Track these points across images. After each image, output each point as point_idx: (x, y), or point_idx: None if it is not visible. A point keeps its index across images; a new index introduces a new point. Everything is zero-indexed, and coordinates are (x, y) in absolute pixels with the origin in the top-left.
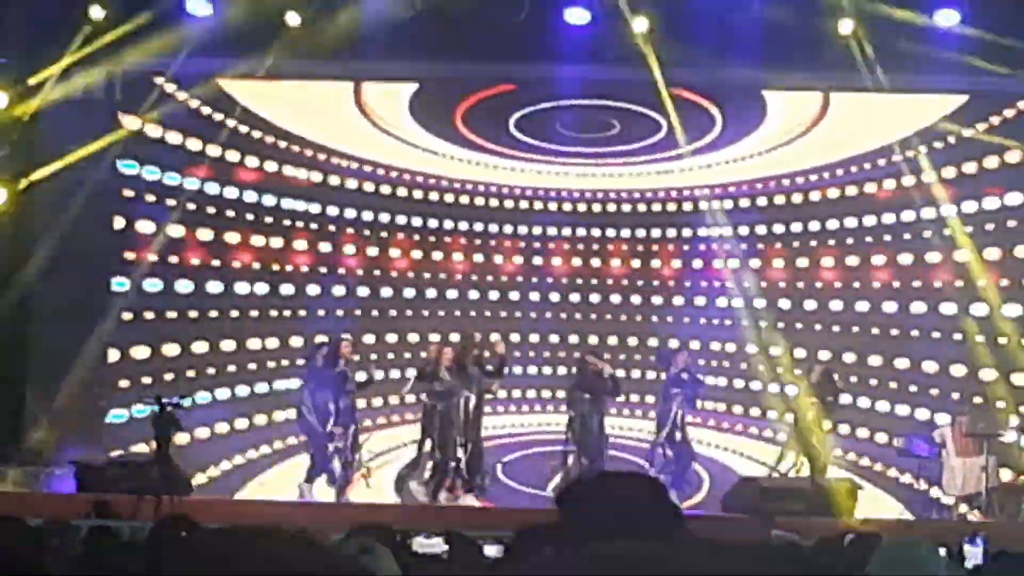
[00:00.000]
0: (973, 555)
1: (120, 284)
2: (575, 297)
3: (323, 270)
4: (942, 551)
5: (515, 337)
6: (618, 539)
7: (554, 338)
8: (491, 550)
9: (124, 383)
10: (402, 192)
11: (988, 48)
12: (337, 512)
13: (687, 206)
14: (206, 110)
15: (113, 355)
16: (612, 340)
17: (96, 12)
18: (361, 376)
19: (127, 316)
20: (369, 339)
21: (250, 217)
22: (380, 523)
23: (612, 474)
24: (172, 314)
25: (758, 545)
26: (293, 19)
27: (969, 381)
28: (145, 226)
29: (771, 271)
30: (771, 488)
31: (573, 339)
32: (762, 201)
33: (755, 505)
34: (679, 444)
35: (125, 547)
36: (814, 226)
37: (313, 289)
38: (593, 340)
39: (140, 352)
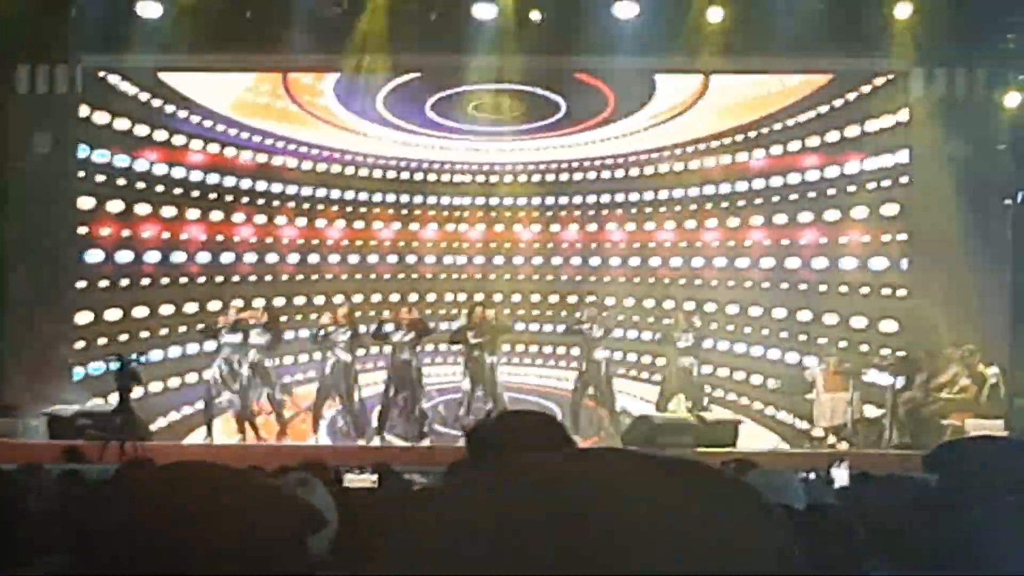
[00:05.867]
0: (839, 477)
1: (84, 256)
2: (499, 260)
3: (260, 240)
4: (812, 475)
5: (431, 297)
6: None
7: (474, 296)
8: (418, 482)
9: (88, 343)
10: (332, 168)
11: (848, 34)
12: (278, 452)
13: (591, 175)
14: (154, 100)
15: (79, 318)
16: (517, 298)
17: (60, 13)
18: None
19: (88, 284)
20: (299, 300)
21: (195, 194)
22: (315, 460)
23: (512, 413)
24: (138, 281)
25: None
26: (236, 18)
27: (837, 327)
28: (105, 204)
29: (662, 232)
30: (662, 424)
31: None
32: (649, 170)
33: (649, 439)
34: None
35: (92, 487)
36: (697, 192)
37: (250, 257)
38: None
39: (104, 315)
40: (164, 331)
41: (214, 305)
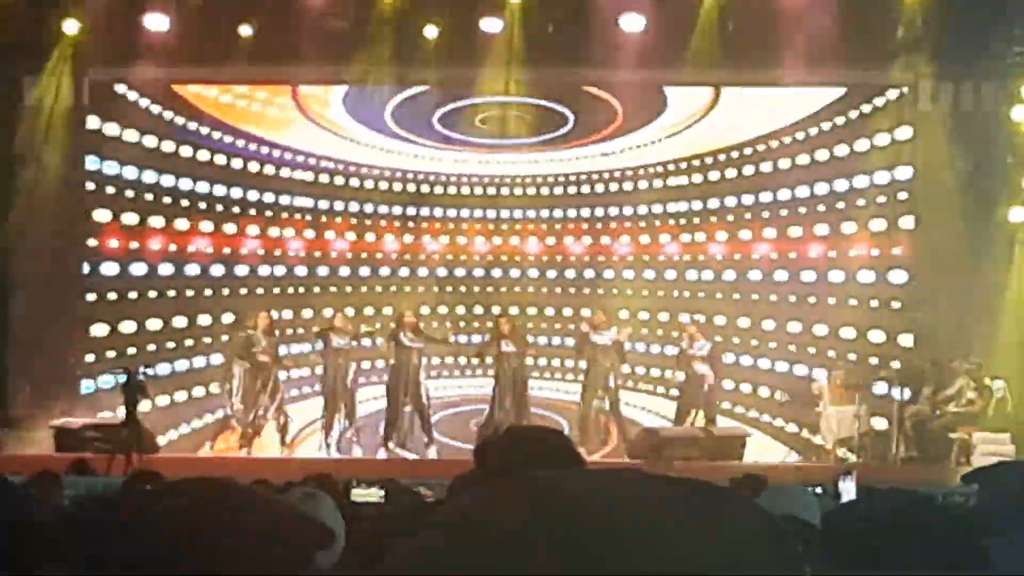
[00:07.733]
0: (847, 491)
1: (92, 268)
2: (497, 273)
3: (268, 252)
4: (819, 488)
5: (443, 310)
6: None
7: (478, 310)
8: (426, 495)
9: (97, 356)
10: (338, 180)
11: (856, 48)
12: (285, 465)
13: (599, 188)
14: (162, 111)
15: (88, 331)
16: (531, 311)
17: (69, 27)
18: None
19: (96, 297)
20: (307, 314)
21: (202, 205)
22: (323, 474)
23: (520, 428)
24: (152, 293)
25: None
26: (244, 31)
27: (844, 340)
28: (107, 215)
29: (668, 245)
30: (669, 437)
31: (495, 311)
32: (656, 183)
33: (656, 452)
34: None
35: (100, 500)
36: (704, 205)
37: (264, 270)
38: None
39: (113, 328)
40: (173, 344)
41: (225, 317)
